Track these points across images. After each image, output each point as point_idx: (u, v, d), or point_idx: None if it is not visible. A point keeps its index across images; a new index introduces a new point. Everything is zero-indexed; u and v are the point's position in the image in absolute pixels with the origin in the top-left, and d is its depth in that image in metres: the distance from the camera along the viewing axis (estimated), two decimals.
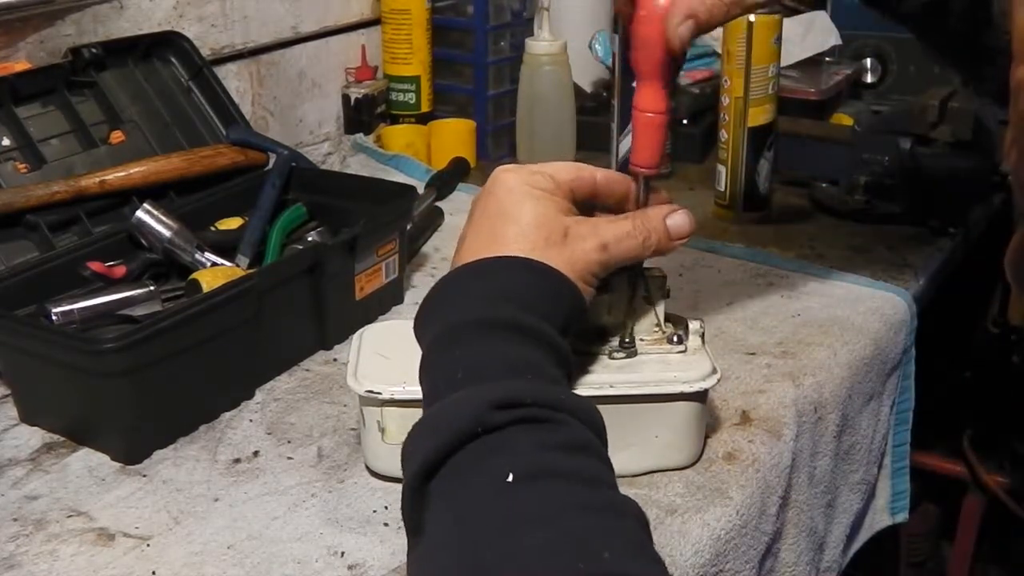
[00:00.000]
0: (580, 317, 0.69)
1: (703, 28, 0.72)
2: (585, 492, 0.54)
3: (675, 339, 0.78)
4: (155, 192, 1.05)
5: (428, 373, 0.64)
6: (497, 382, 0.59)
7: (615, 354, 0.77)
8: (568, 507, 0.52)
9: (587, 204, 0.73)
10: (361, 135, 1.48)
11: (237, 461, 0.83)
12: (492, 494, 0.53)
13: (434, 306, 0.67)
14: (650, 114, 0.74)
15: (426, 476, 0.55)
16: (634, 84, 0.75)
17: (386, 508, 0.76)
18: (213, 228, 1.05)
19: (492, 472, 0.53)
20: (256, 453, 0.84)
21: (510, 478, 0.52)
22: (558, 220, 0.69)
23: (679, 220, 0.74)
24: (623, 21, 0.74)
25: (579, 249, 0.68)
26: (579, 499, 0.53)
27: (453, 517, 0.53)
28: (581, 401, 0.60)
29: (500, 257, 0.67)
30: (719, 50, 1.27)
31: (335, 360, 0.97)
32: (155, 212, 0.98)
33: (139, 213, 0.98)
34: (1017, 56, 0.44)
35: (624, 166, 0.77)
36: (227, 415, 0.88)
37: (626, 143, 1.05)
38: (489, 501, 0.53)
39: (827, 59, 1.60)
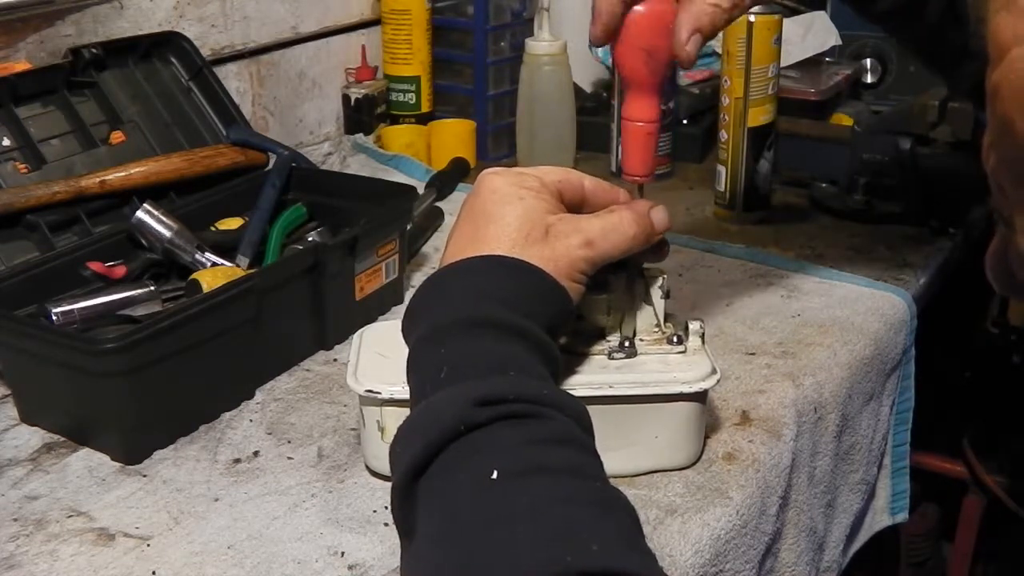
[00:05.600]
0: (568, 315, 0.69)
1: (709, 38, 0.72)
2: (572, 485, 0.54)
3: (675, 339, 0.78)
4: (155, 192, 1.05)
5: (413, 373, 0.64)
6: (480, 379, 0.59)
7: (615, 354, 0.77)
8: (555, 501, 0.52)
9: (575, 211, 0.73)
10: (361, 135, 1.48)
11: (237, 461, 0.83)
12: (479, 491, 0.53)
13: (418, 307, 0.67)
14: (640, 123, 0.74)
15: (413, 476, 0.55)
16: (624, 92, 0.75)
17: (386, 508, 0.76)
18: (213, 228, 1.05)
19: (478, 469, 0.53)
20: (256, 453, 0.84)
21: (495, 475, 0.52)
22: (541, 219, 0.68)
23: (661, 215, 0.74)
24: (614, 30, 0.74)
25: (562, 246, 0.68)
26: (566, 492, 0.53)
27: (441, 515, 0.53)
28: (565, 396, 0.60)
29: (480, 256, 0.67)
30: (719, 50, 1.27)
31: (335, 360, 0.97)
32: (155, 212, 0.98)
33: (139, 213, 0.98)
34: (993, 60, 0.44)
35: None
36: (227, 415, 0.88)
37: None
38: (476, 498, 0.53)
39: (827, 59, 1.60)
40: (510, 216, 0.68)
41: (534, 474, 0.53)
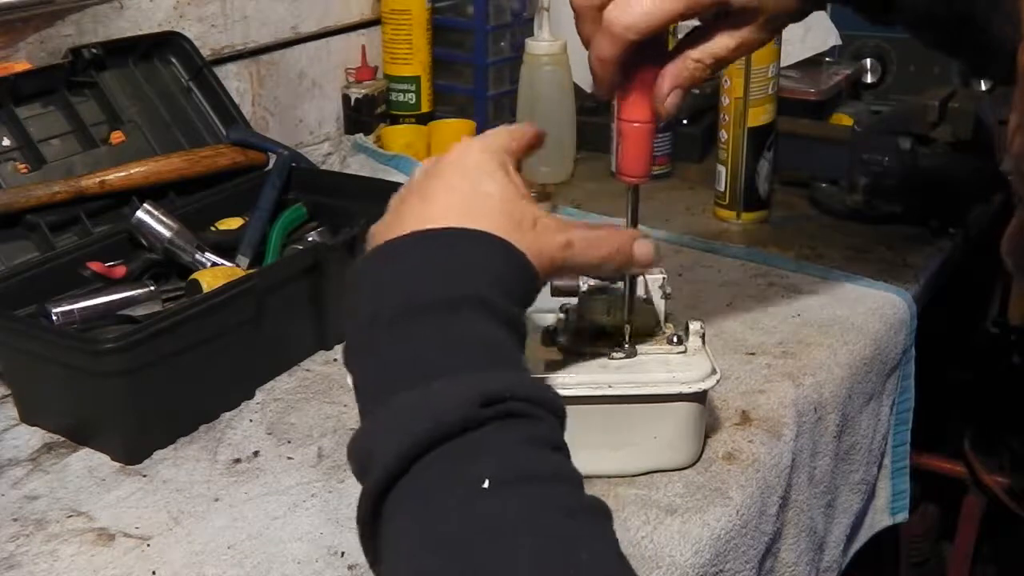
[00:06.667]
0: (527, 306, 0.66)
1: (690, 91, 0.75)
2: (563, 494, 0.53)
3: (675, 339, 0.78)
4: (155, 192, 1.06)
5: (374, 364, 0.59)
6: (484, 372, 0.56)
7: (615, 354, 0.77)
8: (548, 510, 0.51)
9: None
10: (361, 135, 1.47)
11: (237, 461, 0.83)
12: (472, 496, 0.51)
13: (393, 268, 0.61)
14: (636, 124, 0.74)
15: (391, 481, 0.52)
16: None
17: None
18: (213, 228, 1.05)
19: (469, 474, 0.51)
20: (256, 453, 0.84)
21: (486, 484, 0.50)
22: (528, 208, 0.66)
23: (646, 249, 0.72)
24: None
25: (545, 241, 0.66)
26: (558, 502, 0.52)
27: (432, 519, 0.51)
28: (546, 390, 0.57)
29: (476, 231, 0.63)
30: None
31: (335, 360, 0.97)
32: (155, 212, 0.98)
33: (139, 213, 0.98)
34: None
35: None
36: (227, 415, 0.88)
37: None
38: (466, 506, 0.50)
39: (827, 59, 1.60)
40: (499, 194, 0.66)
41: (526, 483, 0.52)
